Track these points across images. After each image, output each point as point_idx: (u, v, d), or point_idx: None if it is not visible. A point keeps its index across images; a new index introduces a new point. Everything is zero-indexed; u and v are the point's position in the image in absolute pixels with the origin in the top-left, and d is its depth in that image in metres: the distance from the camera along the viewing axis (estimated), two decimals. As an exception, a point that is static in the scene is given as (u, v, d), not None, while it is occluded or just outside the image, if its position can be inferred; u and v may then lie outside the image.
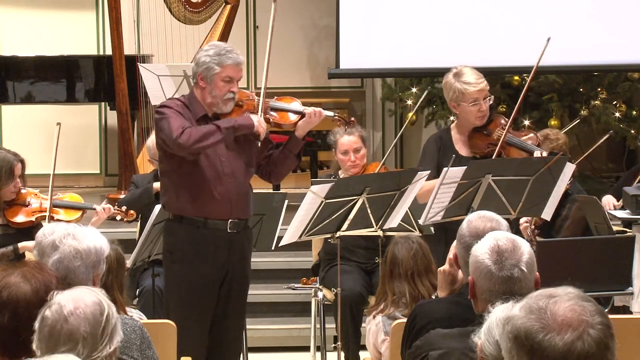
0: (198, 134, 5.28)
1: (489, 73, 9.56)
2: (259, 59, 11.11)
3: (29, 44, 10.58)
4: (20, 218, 6.21)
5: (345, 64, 9.26)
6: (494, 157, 5.87)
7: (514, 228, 6.12)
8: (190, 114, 5.44)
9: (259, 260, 6.11)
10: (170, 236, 5.51)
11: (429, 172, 5.71)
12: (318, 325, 6.80)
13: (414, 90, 10.00)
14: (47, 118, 10.62)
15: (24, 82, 9.82)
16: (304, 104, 5.64)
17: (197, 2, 9.56)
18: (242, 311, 5.64)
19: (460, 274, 3.91)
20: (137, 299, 6.69)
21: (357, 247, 6.74)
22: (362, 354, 6.48)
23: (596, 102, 9.79)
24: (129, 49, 9.55)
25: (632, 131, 9.86)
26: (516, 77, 9.77)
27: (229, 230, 5.43)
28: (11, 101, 9.94)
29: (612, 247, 6.06)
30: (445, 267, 4.00)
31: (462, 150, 5.98)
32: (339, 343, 5.83)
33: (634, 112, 9.98)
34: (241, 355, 6.12)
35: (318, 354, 6.85)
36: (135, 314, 4.76)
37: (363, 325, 6.26)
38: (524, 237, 6.07)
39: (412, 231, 6.08)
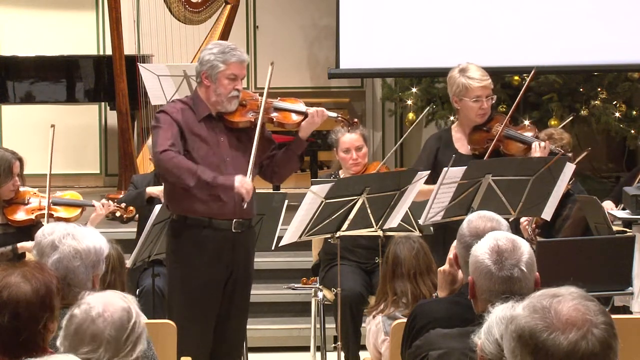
0: (176, 164, 5.27)
1: (489, 73, 9.61)
2: (259, 59, 11.11)
3: (29, 44, 10.57)
4: (19, 216, 6.22)
5: (345, 64, 9.26)
6: (490, 149, 5.87)
7: (514, 228, 6.11)
8: (193, 115, 5.43)
9: (259, 260, 6.10)
10: (174, 236, 5.51)
11: (428, 172, 5.71)
12: (318, 325, 6.80)
13: (414, 90, 10.00)
14: (47, 118, 10.60)
15: (24, 82, 9.82)
16: (305, 104, 5.64)
17: (197, 2, 9.56)
18: (245, 311, 5.63)
19: (460, 274, 3.91)
20: (137, 299, 6.67)
21: (357, 247, 6.74)
22: (362, 354, 6.47)
23: (596, 102, 9.79)
24: (129, 49, 9.55)
25: (632, 131, 9.86)
26: (516, 77, 9.77)
27: (233, 230, 5.43)
28: (11, 101, 9.94)
29: (612, 247, 6.06)
30: (445, 267, 4.00)
31: (462, 148, 5.99)
32: (339, 343, 5.83)
33: (634, 112, 9.98)
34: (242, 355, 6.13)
35: (318, 354, 6.85)
36: (135, 313, 4.76)
37: (363, 325, 6.26)
38: (524, 237, 6.11)
39: (412, 231, 6.08)
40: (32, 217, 6.22)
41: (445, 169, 5.54)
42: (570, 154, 6.35)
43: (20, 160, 6.22)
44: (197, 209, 5.40)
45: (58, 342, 2.91)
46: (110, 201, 6.48)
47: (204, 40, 9.45)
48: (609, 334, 2.22)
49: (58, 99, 9.90)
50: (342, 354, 6.09)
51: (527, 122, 9.46)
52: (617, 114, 9.80)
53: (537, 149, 5.91)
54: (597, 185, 9.76)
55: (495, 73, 9.59)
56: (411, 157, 10.69)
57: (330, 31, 10.25)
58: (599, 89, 9.83)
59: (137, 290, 6.73)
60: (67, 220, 6.02)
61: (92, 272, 3.75)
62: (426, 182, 5.73)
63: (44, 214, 6.19)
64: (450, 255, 3.95)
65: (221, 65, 5.40)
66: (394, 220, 5.71)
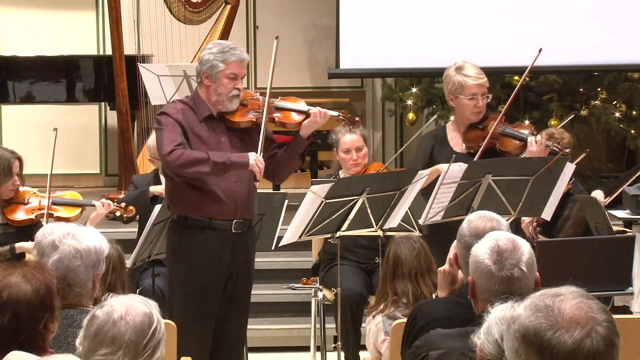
0: (186, 159, 5.27)
1: (489, 73, 9.53)
2: (259, 59, 11.11)
3: (29, 44, 10.58)
4: (19, 216, 6.22)
5: (345, 64, 9.26)
6: (483, 146, 5.87)
7: (514, 228, 6.12)
8: (194, 116, 5.43)
9: (259, 260, 6.10)
10: (175, 236, 5.51)
11: (429, 172, 5.72)
12: (318, 325, 6.80)
13: (414, 90, 10.00)
14: (47, 118, 10.62)
15: (24, 82, 9.82)
16: (306, 104, 5.63)
17: (197, 2, 9.56)
18: (245, 311, 5.63)
19: (460, 274, 3.91)
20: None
21: (357, 247, 6.74)
22: (362, 354, 6.47)
23: (596, 102, 9.79)
24: (129, 49, 9.55)
25: (632, 131, 9.87)
26: (516, 77, 9.76)
27: (233, 231, 5.43)
28: (11, 101, 9.94)
29: (612, 247, 6.06)
30: (445, 267, 4.00)
31: (457, 146, 6.00)
32: (339, 343, 5.83)
33: (634, 112, 9.98)
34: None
35: (318, 354, 6.85)
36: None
37: (363, 325, 6.26)
38: (525, 236, 6.11)
39: (412, 231, 6.08)
40: (32, 217, 6.22)
41: (446, 169, 5.54)
42: (567, 150, 6.35)
43: (20, 159, 6.22)
44: (197, 209, 5.40)
45: (77, 342, 2.91)
46: (110, 201, 6.48)
47: (204, 40, 9.45)
48: (612, 332, 2.23)
49: (58, 99, 9.90)
50: (342, 354, 6.09)
51: (527, 122, 9.51)
52: (617, 114, 9.80)
53: (533, 144, 5.91)
54: (597, 185, 9.73)
55: (495, 73, 9.63)
56: (411, 157, 10.70)
57: (330, 31, 10.26)
58: (599, 89, 9.83)
59: (137, 290, 6.72)
60: (67, 220, 6.02)
61: (93, 271, 3.75)
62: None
63: (44, 213, 6.19)
64: (450, 255, 3.95)
65: (221, 65, 5.40)
66: (394, 220, 5.71)
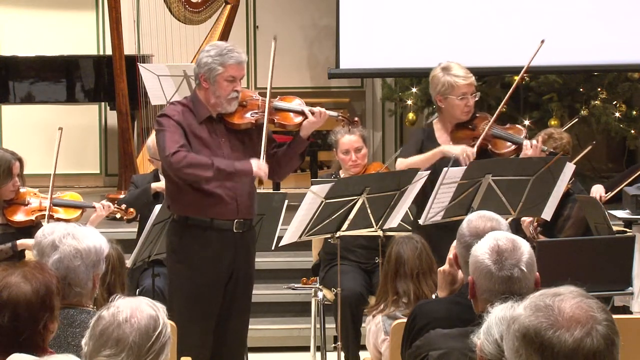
0: (190, 161, 5.26)
1: (489, 73, 9.63)
2: (259, 59, 11.11)
3: (29, 44, 10.58)
4: (19, 217, 6.22)
5: (345, 64, 9.26)
6: (476, 147, 5.87)
7: (515, 228, 6.12)
8: (193, 117, 5.42)
9: (259, 260, 6.10)
10: (175, 236, 5.51)
11: (429, 172, 5.72)
12: (318, 325, 6.80)
13: (414, 90, 10.00)
14: (47, 118, 10.62)
15: (24, 82, 9.82)
16: (307, 104, 5.63)
17: (197, 2, 9.56)
18: (246, 311, 5.63)
19: (460, 274, 3.91)
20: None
21: (357, 247, 6.74)
22: (362, 354, 6.47)
23: (596, 102, 9.79)
24: (129, 49, 9.55)
25: (632, 131, 9.87)
26: (516, 77, 9.76)
27: (235, 231, 5.43)
28: (11, 101, 9.94)
29: (612, 247, 6.06)
30: (445, 267, 4.00)
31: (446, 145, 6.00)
32: (339, 343, 5.84)
33: (634, 112, 9.98)
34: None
35: (318, 354, 6.85)
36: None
37: (363, 325, 6.26)
38: (525, 236, 6.12)
39: (412, 231, 6.08)
40: (32, 218, 6.21)
41: (445, 169, 5.55)
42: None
43: (20, 160, 6.22)
44: (199, 209, 5.40)
45: (82, 342, 2.91)
46: (110, 203, 6.47)
47: (204, 40, 9.45)
48: (612, 331, 2.23)
49: (58, 99, 9.90)
50: (342, 354, 6.09)
51: (527, 122, 9.51)
52: (617, 114, 9.80)
53: (529, 148, 5.92)
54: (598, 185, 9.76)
55: (495, 73, 9.64)
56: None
57: (330, 31, 10.26)
58: (599, 89, 9.83)
59: (137, 290, 6.72)
60: (67, 222, 6.01)
61: (93, 271, 3.75)
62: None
63: (44, 214, 6.18)
64: (450, 255, 3.95)
65: (219, 68, 5.39)
66: (394, 220, 5.72)
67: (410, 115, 9.97)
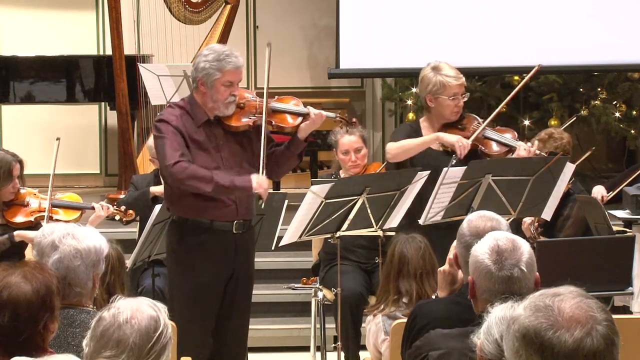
0: (191, 174, 5.26)
1: (489, 73, 9.63)
2: (259, 59, 11.11)
3: (29, 44, 10.58)
4: (19, 218, 6.21)
5: (345, 64, 9.26)
6: (470, 140, 5.88)
7: (515, 228, 6.12)
8: (191, 121, 5.42)
9: (259, 260, 6.10)
10: (175, 237, 5.50)
11: (428, 172, 5.72)
12: (318, 325, 6.80)
13: (414, 90, 10.00)
14: (47, 118, 10.63)
15: (24, 82, 9.82)
16: (304, 104, 5.63)
17: (197, 2, 9.56)
18: (247, 311, 5.63)
19: (460, 274, 3.91)
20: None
21: (357, 247, 6.74)
22: (362, 354, 6.47)
23: (596, 102, 9.80)
24: (129, 49, 9.55)
25: (632, 131, 9.87)
26: (516, 77, 9.77)
27: (234, 231, 5.43)
28: (11, 101, 9.94)
29: (612, 247, 6.06)
30: (445, 267, 4.00)
31: (433, 145, 6.00)
32: (339, 343, 5.83)
33: (634, 112, 9.98)
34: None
35: (318, 354, 6.85)
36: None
37: (363, 325, 6.26)
38: (525, 236, 6.12)
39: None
40: (32, 219, 6.21)
41: (445, 169, 5.55)
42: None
43: (21, 162, 6.21)
44: (198, 211, 5.40)
45: (84, 343, 2.91)
46: (109, 204, 6.47)
47: (204, 40, 9.45)
48: (612, 331, 2.23)
49: (58, 99, 9.89)
50: (342, 354, 6.09)
51: (527, 122, 9.51)
52: (617, 114, 9.81)
53: (522, 150, 5.92)
54: (597, 185, 9.76)
55: (495, 73, 9.65)
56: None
57: (330, 31, 10.25)
58: (599, 89, 9.83)
59: (137, 290, 6.72)
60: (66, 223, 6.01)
61: (93, 271, 3.75)
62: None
63: (44, 216, 6.18)
64: (450, 255, 3.95)
65: (217, 73, 5.38)
66: (394, 220, 5.72)
67: (410, 115, 9.96)
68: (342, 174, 6.81)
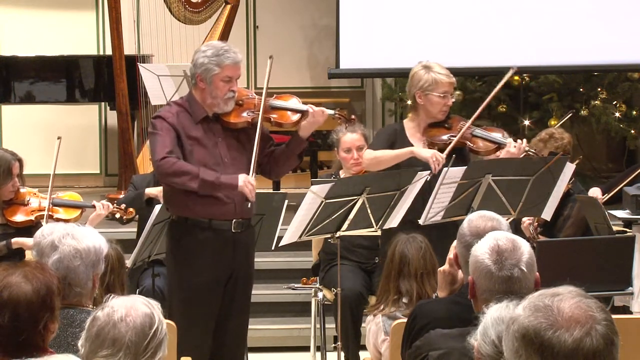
0: (177, 169, 5.27)
1: (489, 73, 9.63)
2: (259, 59, 11.11)
3: (29, 44, 10.57)
4: (19, 217, 6.21)
5: (345, 64, 9.26)
6: (451, 146, 5.88)
7: (514, 228, 6.12)
8: (189, 118, 5.42)
9: (259, 260, 6.11)
10: (174, 237, 5.51)
11: (428, 172, 5.72)
12: (318, 325, 6.80)
13: (414, 90, 9.99)
14: (47, 118, 10.62)
15: (24, 82, 9.82)
16: (304, 103, 5.63)
17: (197, 2, 9.56)
18: (246, 310, 5.63)
19: (460, 274, 3.91)
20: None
21: (357, 247, 6.74)
22: (362, 354, 6.47)
23: (596, 102, 9.80)
24: (129, 49, 9.55)
25: (632, 131, 9.87)
26: (516, 77, 9.77)
27: (233, 231, 5.43)
28: (11, 101, 9.93)
29: (612, 247, 6.06)
30: (445, 267, 4.00)
31: (417, 143, 6.01)
32: (339, 343, 5.83)
33: (634, 112, 9.98)
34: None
35: (318, 354, 6.85)
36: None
37: (363, 325, 6.26)
38: (525, 235, 6.12)
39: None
40: (32, 218, 6.21)
41: (445, 169, 5.55)
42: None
43: (20, 161, 6.22)
44: (196, 210, 5.40)
45: (79, 343, 2.91)
46: (109, 203, 6.48)
47: (204, 40, 9.44)
48: (612, 330, 2.23)
49: (58, 99, 9.89)
50: (342, 354, 6.09)
51: (527, 122, 9.51)
52: (617, 114, 9.81)
53: (512, 147, 5.93)
54: (597, 185, 9.76)
55: (495, 73, 9.62)
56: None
57: (330, 31, 10.25)
58: (599, 89, 9.84)
59: (137, 290, 6.72)
60: (66, 221, 6.01)
61: (93, 271, 3.75)
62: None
63: (44, 215, 6.18)
64: (450, 255, 3.95)
65: (215, 69, 5.39)
66: (394, 220, 5.71)
67: (410, 115, 9.95)
68: (342, 174, 6.81)
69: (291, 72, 10.87)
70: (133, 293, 6.59)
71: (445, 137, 5.99)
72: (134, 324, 2.87)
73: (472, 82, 9.72)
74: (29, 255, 5.81)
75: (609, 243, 6.12)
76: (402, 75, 9.94)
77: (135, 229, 6.98)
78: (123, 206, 6.48)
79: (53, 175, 6.23)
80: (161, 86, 8.17)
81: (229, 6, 9.69)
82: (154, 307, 2.94)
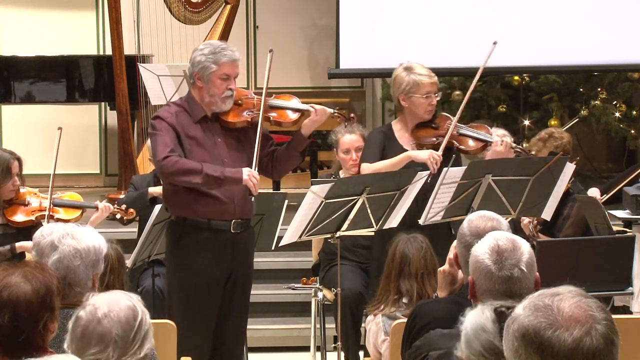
0: (180, 167, 5.27)
1: (489, 73, 9.62)
2: (259, 59, 11.11)
3: (29, 44, 10.57)
4: (19, 217, 6.21)
5: (345, 64, 9.26)
6: (442, 147, 5.88)
7: (514, 228, 6.12)
8: (189, 117, 5.42)
9: (259, 260, 6.11)
10: (173, 237, 5.50)
11: (428, 172, 5.72)
12: (318, 325, 6.80)
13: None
14: (48, 118, 10.62)
15: (24, 82, 9.82)
16: (305, 104, 5.63)
17: (197, 2, 9.56)
18: (245, 311, 5.63)
19: (460, 274, 3.91)
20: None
21: (357, 247, 6.74)
22: (362, 354, 6.47)
23: (596, 102, 9.80)
24: (129, 49, 9.55)
25: (632, 131, 9.87)
26: (516, 77, 9.78)
27: (232, 231, 5.43)
28: (11, 101, 9.94)
29: (612, 247, 6.06)
30: (445, 267, 4.00)
31: (407, 145, 6.02)
32: (339, 343, 5.83)
33: (634, 112, 9.98)
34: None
35: (318, 354, 6.85)
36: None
37: (363, 325, 6.26)
38: (524, 236, 6.12)
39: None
40: (32, 218, 6.21)
41: (445, 169, 5.55)
42: (532, 152, 6.39)
43: (19, 160, 6.22)
44: (196, 210, 5.40)
45: (65, 345, 2.91)
46: (109, 204, 6.48)
47: (203, 40, 9.43)
48: (611, 330, 2.23)
49: (58, 99, 9.90)
50: (342, 354, 6.09)
51: (527, 122, 9.51)
52: (617, 114, 9.81)
53: (499, 145, 5.94)
54: (597, 185, 9.76)
55: (495, 73, 9.63)
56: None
57: (330, 31, 10.25)
58: (599, 89, 9.84)
59: (137, 290, 6.72)
60: (66, 222, 6.01)
61: (92, 271, 3.75)
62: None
63: (44, 215, 6.18)
64: (451, 255, 3.95)
65: (213, 66, 5.39)
66: (394, 220, 5.71)
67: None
68: (342, 174, 6.81)
69: (291, 72, 10.87)
70: (133, 293, 6.60)
71: (433, 138, 6.00)
72: (118, 318, 2.87)
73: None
74: (29, 255, 5.81)
75: (609, 243, 6.12)
76: (402, 75, 9.96)
77: (135, 229, 6.98)
78: (123, 207, 6.48)
79: (54, 167, 6.23)
80: (161, 86, 8.17)
81: (229, 6, 9.69)
82: (135, 300, 2.95)
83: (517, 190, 5.68)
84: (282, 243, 5.69)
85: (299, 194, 6.03)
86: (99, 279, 3.84)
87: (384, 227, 5.72)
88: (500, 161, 5.85)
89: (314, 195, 5.37)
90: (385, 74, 9.87)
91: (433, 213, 5.60)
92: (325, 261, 6.79)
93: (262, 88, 5.56)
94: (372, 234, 5.94)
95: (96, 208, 6.34)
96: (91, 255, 3.73)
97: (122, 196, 7.63)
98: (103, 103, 10.74)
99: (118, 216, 6.46)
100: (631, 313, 6.16)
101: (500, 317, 2.68)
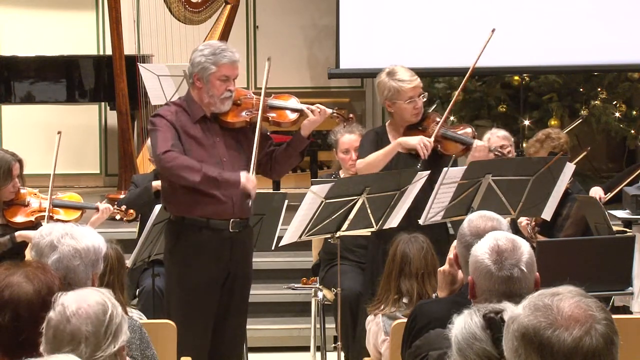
0: (180, 163, 5.27)
1: (489, 73, 9.63)
2: (259, 59, 11.11)
3: (29, 44, 10.58)
4: (19, 218, 6.21)
5: (345, 64, 9.26)
6: (432, 137, 5.90)
7: (514, 227, 6.13)
8: (188, 117, 5.42)
9: (259, 260, 6.11)
10: (172, 236, 5.51)
11: (428, 172, 5.72)
12: (318, 325, 6.80)
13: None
14: (47, 118, 10.62)
15: (24, 82, 9.82)
16: (304, 104, 5.63)
17: (197, 2, 9.56)
18: (244, 310, 5.63)
19: (460, 274, 3.91)
20: (136, 299, 6.69)
21: (357, 247, 6.74)
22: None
23: (596, 102, 9.80)
24: (129, 49, 9.55)
25: (632, 131, 9.87)
26: (516, 77, 9.78)
27: (231, 230, 5.43)
28: (11, 101, 9.94)
29: (612, 247, 6.06)
30: (445, 267, 4.00)
31: (399, 149, 6.01)
32: (339, 343, 5.83)
33: (634, 112, 9.99)
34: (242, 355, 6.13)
35: (318, 354, 6.85)
36: (135, 314, 4.77)
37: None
38: (523, 236, 6.12)
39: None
40: (32, 219, 6.21)
41: (445, 169, 5.55)
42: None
43: (20, 161, 6.22)
44: (194, 209, 5.40)
45: (41, 348, 2.91)
46: (109, 205, 6.47)
47: (203, 40, 9.43)
48: (611, 330, 2.23)
49: (58, 99, 9.90)
50: (342, 354, 6.09)
51: (527, 122, 9.51)
52: (617, 114, 9.81)
53: (477, 148, 5.94)
54: (597, 185, 9.76)
55: (495, 73, 9.64)
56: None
57: (330, 31, 10.26)
58: (599, 89, 9.84)
59: (137, 290, 6.73)
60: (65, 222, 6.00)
61: (92, 271, 3.75)
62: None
63: (44, 216, 6.18)
64: (451, 255, 3.95)
65: (212, 67, 5.39)
66: (394, 220, 5.71)
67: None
68: (342, 174, 6.81)
69: (291, 72, 10.87)
70: (133, 293, 6.61)
71: None
72: (87, 315, 2.87)
73: (472, 82, 9.72)
74: (29, 256, 5.81)
75: (609, 243, 6.11)
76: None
77: (135, 229, 6.98)
78: (123, 207, 6.48)
79: (53, 175, 6.23)
80: (161, 86, 8.17)
81: (229, 6, 9.70)
82: (104, 293, 2.95)
83: (517, 190, 5.68)
84: (282, 243, 5.69)
85: (299, 194, 6.03)
86: (98, 279, 3.84)
87: (384, 227, 5.72)
88: (501, 161, 5.86)
89: (314, 195, 5.37)
90: (385, 74, 9.89)
91: (433, 213, 5.60)
92: (325, 261, 6.79)
93: (261, 88, 5.56)
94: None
95: (96, 209, 6.35)
96: (91, 255, 3.73)
97: (122, 196, 7.63)
98: (103, 103, 10.74)
99: (118, 217, 6.46)
100: (631, 313, 6.16)
101: (490, 322, 2.67)
